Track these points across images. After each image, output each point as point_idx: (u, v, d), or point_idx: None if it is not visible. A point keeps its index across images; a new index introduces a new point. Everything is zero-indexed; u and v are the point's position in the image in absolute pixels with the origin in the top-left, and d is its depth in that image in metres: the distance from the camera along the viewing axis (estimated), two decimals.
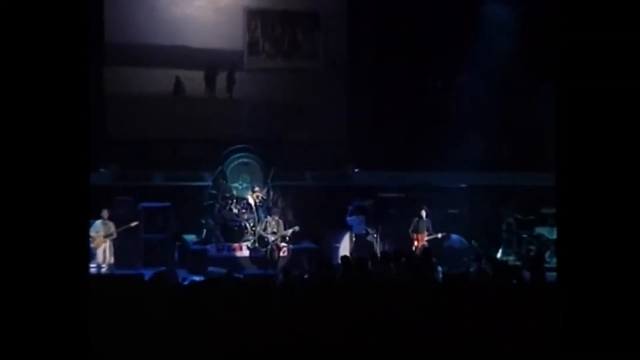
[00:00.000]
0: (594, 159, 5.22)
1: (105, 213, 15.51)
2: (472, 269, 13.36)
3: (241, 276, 13.18)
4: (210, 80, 19.01)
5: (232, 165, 17.84)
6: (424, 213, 16.62)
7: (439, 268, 13.01)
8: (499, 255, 17.14)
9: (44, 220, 4.71)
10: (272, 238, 16.15)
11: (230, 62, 18.89)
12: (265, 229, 16.26)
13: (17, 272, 4.66)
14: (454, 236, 16.69)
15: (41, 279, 4.71)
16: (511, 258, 17.41)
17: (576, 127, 5.21)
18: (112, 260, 15.46)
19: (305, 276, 12.72)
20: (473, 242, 15.01)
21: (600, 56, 5.13)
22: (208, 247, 16.52)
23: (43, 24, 4.69)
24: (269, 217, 16.53)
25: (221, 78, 19.04)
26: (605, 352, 5.15)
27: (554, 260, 13.44)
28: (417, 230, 16.55)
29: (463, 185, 18.62)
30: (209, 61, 18.82)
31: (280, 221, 16.36)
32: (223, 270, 13.46)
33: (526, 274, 12.98)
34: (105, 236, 15.36)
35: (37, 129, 4.67)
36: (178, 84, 18.63)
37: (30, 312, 4.69)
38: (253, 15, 19.31)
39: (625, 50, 5.06)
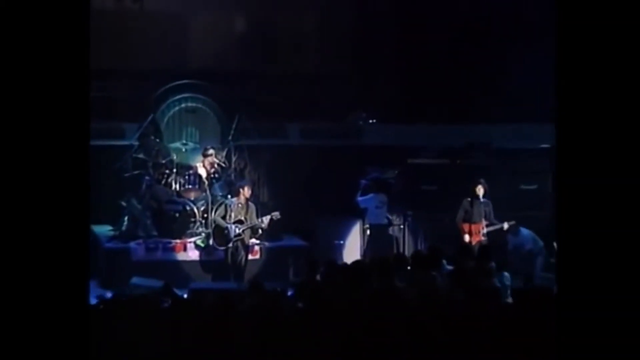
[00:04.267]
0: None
1: None
2: None
3: (185, 293, 13.05)
4: None
5: (170, 112, 17.80)
6: (480, 190, 16.33)
7: (507, 276, 12.84)
8: None
9: (42, 219, 6.44)
10: (236, 230, 15.92)
11: None
12: (224, 217, 16.00)
13: (16, 273, 6.47)
14: (524, 230, 16.61)
15: (40, 280, 6.52)
16: None
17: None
18: None
19: (289, 293, 12.51)
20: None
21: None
22: (132, 245, 16.30)
23: None
24: (230, 196, 16.31)
25: None
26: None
27: None
28: (469, 219, 16.34)
29: (545, 146, 18.27)
30: None
31: (250, 203, 16.06)
32: (157, 283, 13.20)
33: None
34: None
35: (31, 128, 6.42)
36: None
37: (29, 313, 6.51)
38: None
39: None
